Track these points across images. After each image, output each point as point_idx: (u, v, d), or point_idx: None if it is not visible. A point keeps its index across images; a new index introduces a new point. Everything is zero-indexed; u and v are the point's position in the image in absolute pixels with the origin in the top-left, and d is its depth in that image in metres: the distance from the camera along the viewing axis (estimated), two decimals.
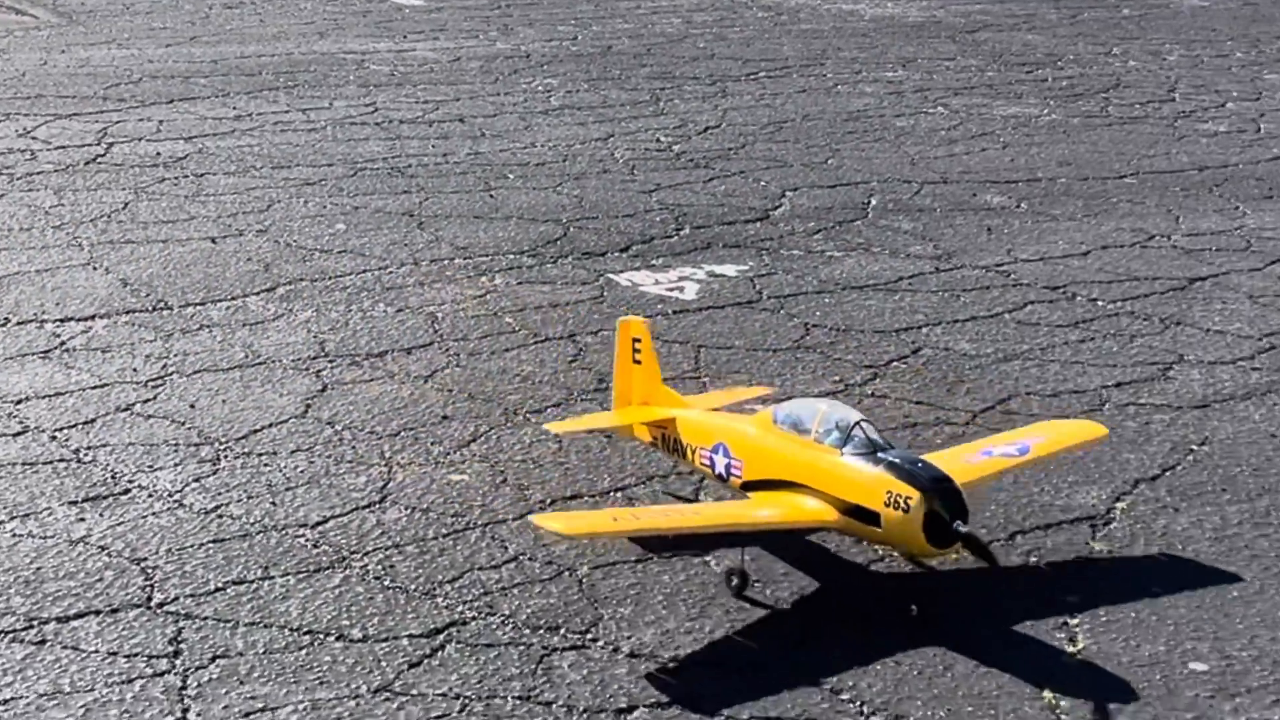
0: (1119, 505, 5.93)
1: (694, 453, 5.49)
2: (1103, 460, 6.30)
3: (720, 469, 5.35)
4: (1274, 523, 5.81)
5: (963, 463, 5.39)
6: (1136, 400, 6.95)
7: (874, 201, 10.58)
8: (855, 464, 4.98)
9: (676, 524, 5.25)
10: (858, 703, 4.57)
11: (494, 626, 4.96)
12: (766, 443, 5.25)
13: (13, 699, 4.52)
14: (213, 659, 4.74)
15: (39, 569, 5.25)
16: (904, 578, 5.34)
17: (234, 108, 13.51)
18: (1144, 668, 4.78)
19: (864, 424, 5.13)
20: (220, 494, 5.86)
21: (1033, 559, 5.48)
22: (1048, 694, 4.62)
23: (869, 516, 4.88)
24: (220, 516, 5.68)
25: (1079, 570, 5.38)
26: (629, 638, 4.88)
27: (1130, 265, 9.01)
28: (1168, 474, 6.21)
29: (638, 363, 5.79)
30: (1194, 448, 6.46)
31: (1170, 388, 7.12)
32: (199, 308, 8.06)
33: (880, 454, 5.01)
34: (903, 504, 4.80)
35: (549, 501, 5.83)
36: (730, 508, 5.34)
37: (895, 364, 7.38)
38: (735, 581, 5.12)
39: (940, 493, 4.81)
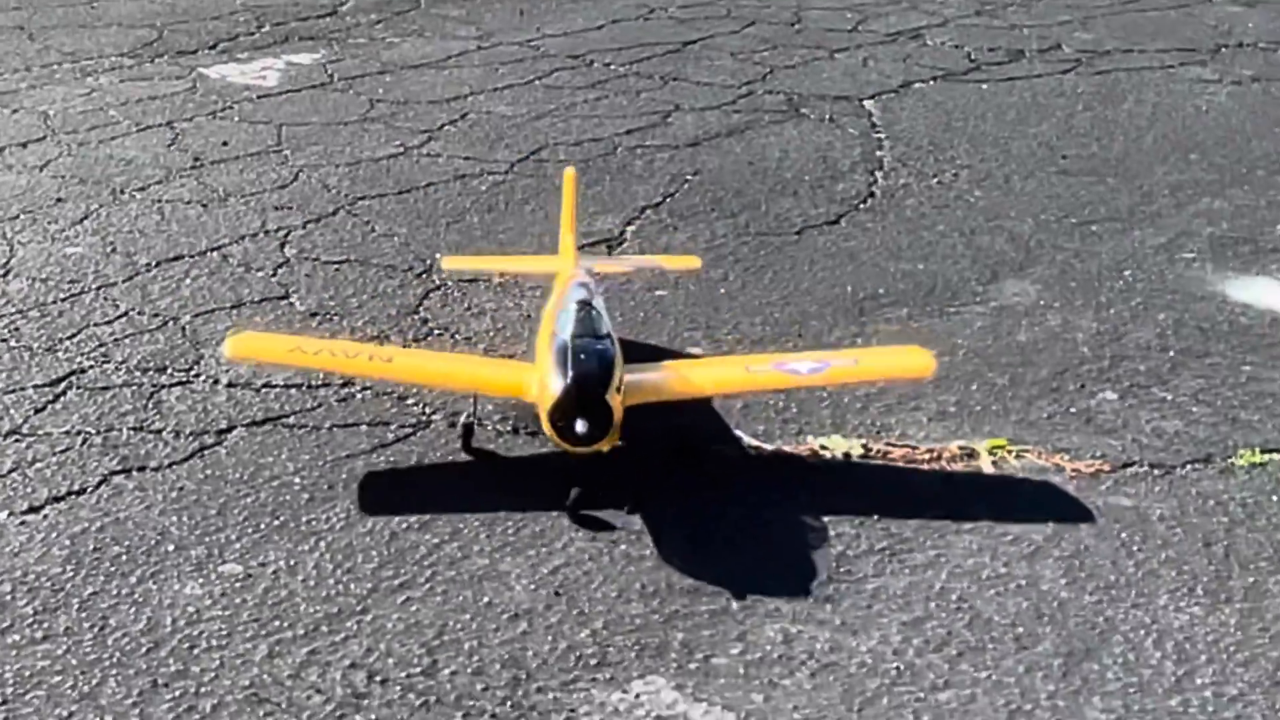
0: (630, 228, 6.00)
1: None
2: (617, 193, 6.36)
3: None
4: (752, 233, 5.95)
5: (743, 370, 4.39)
6: (643, 143, 7.01)
7: None
8: (550, 345, 3.98)
9: (354, 368, 4.39)
10: (426, 407, 4.57)
11: (109, 372, 4.79)
12: (546, 309, 4.38)
13: None
14: None
15: None
16: None
17: None
18: (650, 356, 4.87)
19: (587, 304, 4.11)
20: None
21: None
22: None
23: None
24: None
25: (600, 279, 5.40)
26: (227, 371, 4.77)
27: (636, 35, 9.04)
28: (668, 200, 6.30)
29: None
30: (689, 178, 6.55)
31: (669, 131, 7.19)
32: None
33: (570, 338, 3.92)
34: (546, 391, 3.89)
35: (155, 264, 5.63)
36: (423, 358, 4.63)
37: (446, 127, 7.29)
38: (462, 434, 4.32)
39: (566, 391, 3.80)
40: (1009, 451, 4.33)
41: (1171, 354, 4.94)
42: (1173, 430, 4.45)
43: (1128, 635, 3.53)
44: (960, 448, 4.35)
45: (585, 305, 4.12)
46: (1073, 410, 4.57)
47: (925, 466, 4.28)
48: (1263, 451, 4.33)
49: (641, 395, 4.08)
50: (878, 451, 4.33)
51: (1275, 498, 4.10)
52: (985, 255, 5.75)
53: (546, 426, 3.89)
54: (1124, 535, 3.93)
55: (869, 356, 4.61)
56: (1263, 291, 5.42)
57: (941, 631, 3.54)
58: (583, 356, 3.87)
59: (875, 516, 3.99)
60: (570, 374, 3.83)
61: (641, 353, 4.75)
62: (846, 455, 4.32)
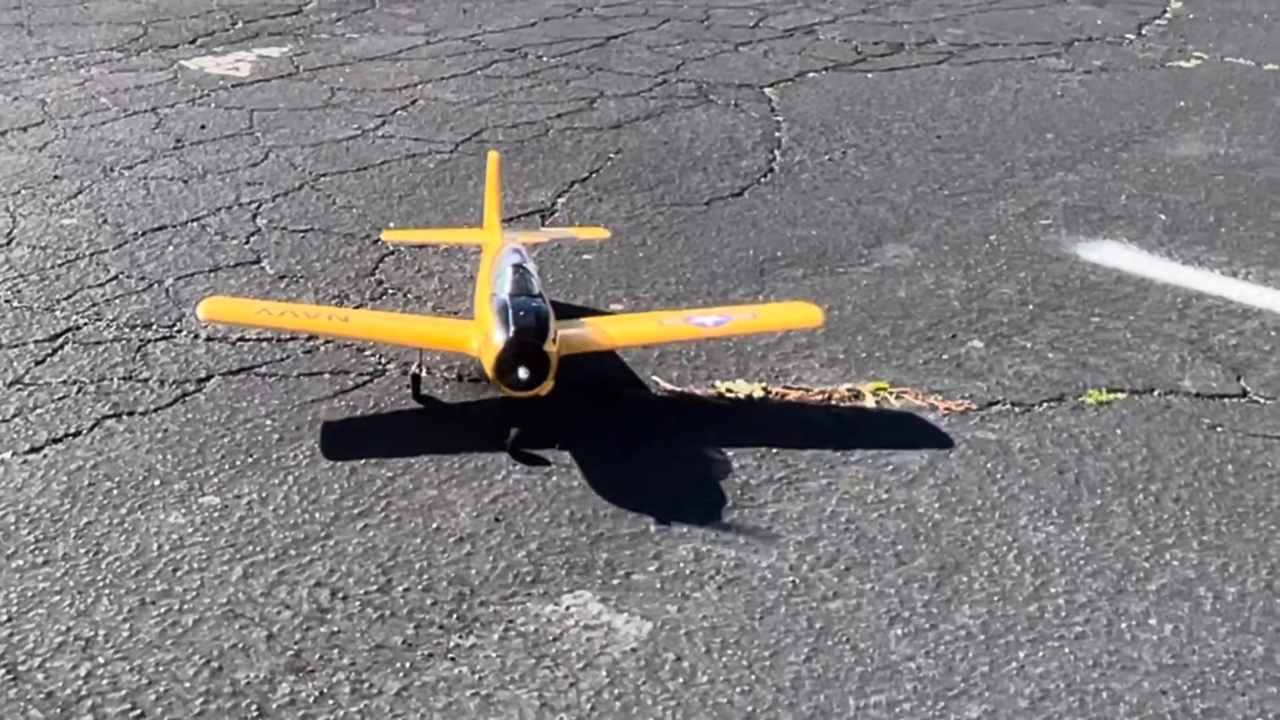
0: (560, 200, 5.96)
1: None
2: (549, 169, 6.30)
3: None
4: (666, 204, 5.91)
5: (657, 324, 4.40)
6: (571, 125, 6.95)
7: None
8: (490, 304, 3.95)
9: (315, 327, 4.32)
10: (381, 357, 4.52)
11: (101, 328, 4.72)
12: (481, 274, 4.36)
13: None
14: None
15: None
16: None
17: None
18: (578, 312, 4.84)
19: (521, 268, 4.07)
20: None
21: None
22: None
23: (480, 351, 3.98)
24: None
25: (534, 245, 5.36)
26: (206, 328, 4.71)
27: (565, 31, 8.95)
28: (594, 175, 6.25)
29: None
30: (611, 156, 6.50)
31: (594, 115, 7.13)
32: None
33: (508, 297, 3.91)
34: (489, 343, 3.86)
35: (142, 233, 5.54)
36: (376, 318, 4.56)
37: (399, 112, 7.21)
38: (411, 383, 4.26)
39: (508, 342, 3.78)
40: (890, 393, 4.34)
41: (1030, 307, 4.96)
42: (1031, 373, 4.48)
43: (992, 551, 3.56)
44: (848, 389, 4.36)
45: (519, 268, 4.08)
46: (945, 357, 4.58)
47: (818, 406, 4.28)
48: (1109, 391, 4.36)
49: (571, 347, 4.06)
50: (776, 393, 4.33)
51: (1119, 431, 4.13)
52: (870, 222, 5.75)
53: (491, 374, 3.85)
54: (989, 464, 3.95)
55: (766, 311, 4.66)
56: (1109, 253, 5.45)
57: (831, 549, 3.55)
58: (521, 312, 3.85)
59: (774, 450, 3.99)
60: (512, 328, 3.80)
61: (570, 311, 4.72)
62: (749, 397, 4.31)
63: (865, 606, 3.34)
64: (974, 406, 4.27)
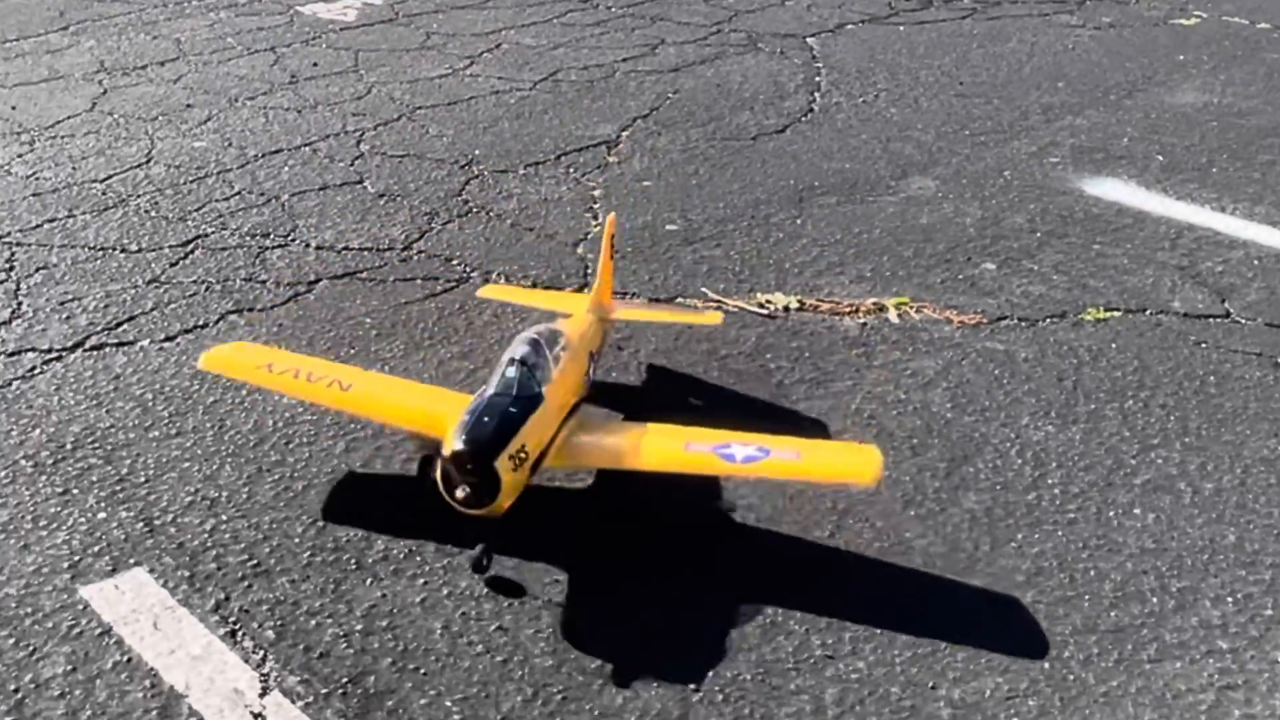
0: (624, 133, 5.90)
1: None
2: (615, 106, 6.25)
3: None
4: (718, 138, 5.85)
5: (679, 449, 3.02)
6: (636, 69, 6.88)
7: None
8: (475, 396, 2.99)
9: (313, 396, 3.25)
10: (465, 267, 4.52)
11: (227, 236, 4.75)
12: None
13: None
14: (36, 270, 4.46)
15: None
16: None
17: None
18: (638, 229, 4.83)
19: (523, 362, 2.98)
20: (36, 165, 5.43)
21: (573, 170, 5.44)
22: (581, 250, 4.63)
23: None
24: (37, 179, 5.27)
25: (600, 172, 5.35)
26: (316, 237, 4.74)
27: None
28: (654, 112, 6.19)
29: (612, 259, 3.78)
30: (670, 95, 6.43)
31: (656, 59, 7.05)
32: (15, 42, 7.37)
33: (486, 398, 2.91)
34: (445, 447, 2.84)
35: (261, 155, 5.55)
36: (377, 386, 3.36)
37: (485, 54, 7.15)
38: (420, 464, 3.35)
39: (453, 454, 2.78)
40: (911, 307, 4.31)
41: (1038, 235, 4.89)
42: (1037, 293, 4.43)
43: (997, 446, 3.54)
44: (874, 303, 4.33)
45: (519, 363, 3.00)
46: (961, 277, 4.54)
47: (846, 318, 4.25)
48: (1105, 309, 4.31)
49: (577, 459, 3.13)
50: (810, 305, 4.31)
51: (1114, 345, 4.09)
52: (897, 158, 5.67)
53: (440, 485, 2.86)
54: (996, 371, 3.92)
55: (817, 451, 3.18)
56: (1110, 188, 5.36)
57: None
58: (485, 418, 2.85)
59: (806, 354, 3.98)
60: (462, 438, 2.80)
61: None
62: (786, 308, 4.29)
63: (883, 492, 3.34)
64: (985, 320, 4.23)
